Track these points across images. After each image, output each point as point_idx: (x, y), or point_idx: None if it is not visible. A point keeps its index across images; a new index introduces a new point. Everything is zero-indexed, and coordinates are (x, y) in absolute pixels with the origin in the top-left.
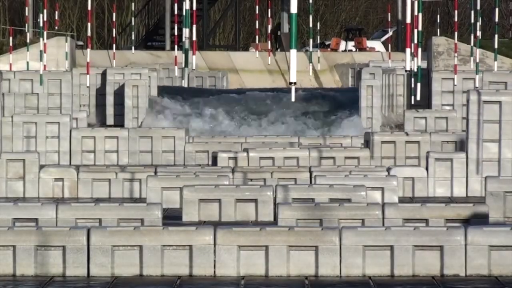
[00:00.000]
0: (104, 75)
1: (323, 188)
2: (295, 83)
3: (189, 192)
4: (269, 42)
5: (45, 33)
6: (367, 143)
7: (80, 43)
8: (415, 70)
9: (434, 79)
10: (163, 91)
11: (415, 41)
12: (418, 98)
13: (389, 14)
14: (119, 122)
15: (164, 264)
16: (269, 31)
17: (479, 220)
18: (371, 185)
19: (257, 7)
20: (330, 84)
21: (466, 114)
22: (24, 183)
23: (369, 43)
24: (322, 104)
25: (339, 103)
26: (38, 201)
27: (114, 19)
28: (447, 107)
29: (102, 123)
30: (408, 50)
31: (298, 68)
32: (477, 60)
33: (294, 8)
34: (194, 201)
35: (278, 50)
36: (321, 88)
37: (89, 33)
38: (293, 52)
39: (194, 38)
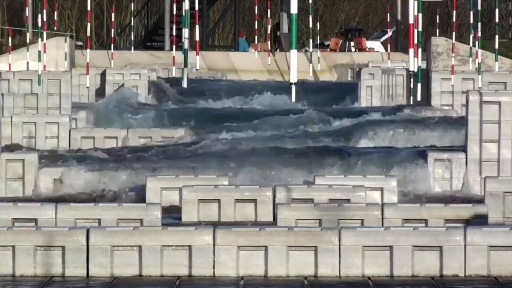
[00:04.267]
0: (103, 75)
1: (322, 189)
2: (295, 83)
3: (188, 192)
4: (269, 42)
5: (44, 33)
6: None
7: (79, 43)
8: (415, 70)
9: (434, 80)
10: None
11: (415, 42)
12: (419, 98)
13: (388, 14)
14: None
15: (164, 264)
16: (268, 31)
17: (479, 220)
18: (370, 185)
19: (256, 7)
20: None
21: (466, 114)
22: (24, 183)
23: (369, 44)
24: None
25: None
26: (38, 201)
27: (113, 19)
28: (447, 108)
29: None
30: (411, 51)
31: (298, 69)
32: (479, 61)
33: (294, 9)
34: (194, 201)
35: (278, 50)
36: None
37: (88, 34)
38: (294, 52)
39: (197, 38)
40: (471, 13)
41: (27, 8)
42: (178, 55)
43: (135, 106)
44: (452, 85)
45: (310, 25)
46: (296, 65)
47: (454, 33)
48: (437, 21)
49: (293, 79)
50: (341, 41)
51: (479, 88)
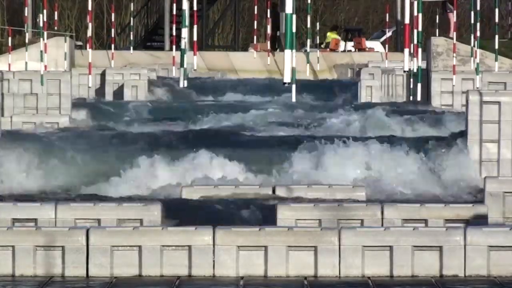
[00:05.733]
0: (103, 75)
1: (322, 189)
2: (289, 83)
3: (188, 193)
4: (268, 42)
5: (45, 33)
6: None
7: (79, 43)
8: (415, 70)
9: (434, 80)
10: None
11: (415, 42)
12: (419, 98)
13: (387, 14)
14: None
15: (163, 265)
16: (268, 32)
17: (479, 220)
18: None
19: (256, 7)
20: None
21: (466, 115)
22: None
23: (368, 44)
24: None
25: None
26: (37, 201)
27: (113, 20)
28: (446, 108)
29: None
30: (406, 50)
31: (297, 68)
32: (478, 61)
33: (289, 9)
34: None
35: (278, 50)
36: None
37: (89, 34)
38: (288, 52)
39: (195, 38)
40: (472, 13)
41: (26, 8)
42: (178, 55)
43: None
44: (454, 85)
45: (309, 25)
46: (291, 65)
47: (455, 33)
48: (437, 21)
49: (287, 78)
50: (341, 41)
51: (477, 88)
